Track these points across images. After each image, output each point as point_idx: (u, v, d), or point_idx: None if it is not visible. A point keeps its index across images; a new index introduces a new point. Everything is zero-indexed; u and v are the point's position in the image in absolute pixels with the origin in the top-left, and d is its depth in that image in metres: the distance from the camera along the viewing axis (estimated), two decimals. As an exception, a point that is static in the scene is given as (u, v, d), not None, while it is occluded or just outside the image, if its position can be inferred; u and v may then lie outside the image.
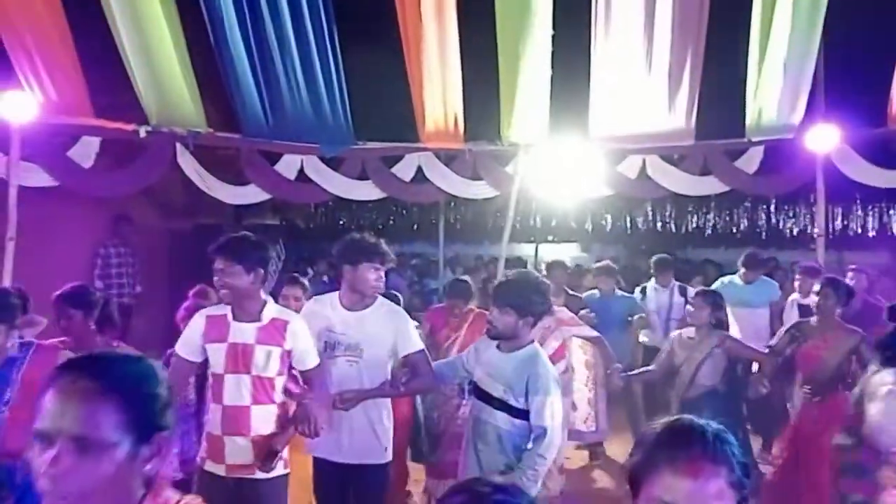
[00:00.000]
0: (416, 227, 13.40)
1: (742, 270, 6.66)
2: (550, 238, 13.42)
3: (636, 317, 6.61)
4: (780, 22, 6.80)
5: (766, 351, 4.99)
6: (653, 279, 6.96)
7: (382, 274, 3.72)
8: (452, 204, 11.83)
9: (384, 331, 3.63)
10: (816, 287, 4.79)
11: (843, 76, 7.36)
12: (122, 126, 6.91)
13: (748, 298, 6.38)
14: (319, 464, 3.69)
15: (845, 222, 12.15)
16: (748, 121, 7.35)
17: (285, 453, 3.41)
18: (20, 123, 6.24)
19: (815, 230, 7.74)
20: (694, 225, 12.89)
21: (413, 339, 3.67)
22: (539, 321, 3.68)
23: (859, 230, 12.12)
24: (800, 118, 7.22)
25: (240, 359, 3.30)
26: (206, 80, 7.12)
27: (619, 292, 6.69)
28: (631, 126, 7.47)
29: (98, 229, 8.21)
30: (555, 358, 5.05)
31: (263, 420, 3.32)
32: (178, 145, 7.07)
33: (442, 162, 7.73)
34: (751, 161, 7.46)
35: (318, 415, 3.30)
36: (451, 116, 7.52)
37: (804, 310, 5.80)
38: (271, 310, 3.41)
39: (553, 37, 7.10)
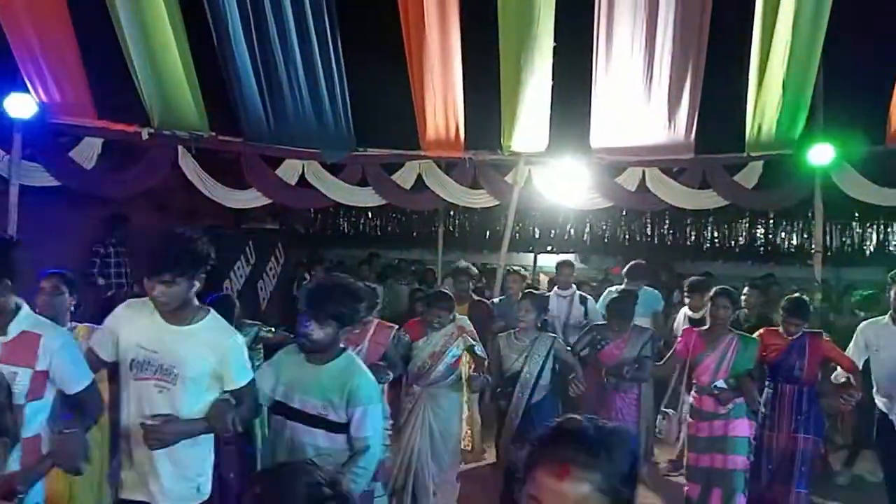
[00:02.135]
0: (415, 234, 13.39)
1: (625, 280, 6.79)
2: (549, 248, 13.42)
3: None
4: (780, 38, 6.84)
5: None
6: (556, 286, 6.93)
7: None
8: (452, 212, 11.86)
9: (207, 354, 2.94)
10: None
11: (843, 93, 7.38)
12: (124, 128, 6.95)
13: None
14: None
15: (843, 239, 12.16)
16: (748, 135, 7.38)
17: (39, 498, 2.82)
18: (23, 123, 6.27)
19: (813, 246, 7.76)
20: (692, 238, 12.89)
21: (243, 370, 3.05)
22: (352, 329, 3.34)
23: (857, 247, 12.13)
24: (798, 134, 7.26)
25: None
26: (209, 83, 7.16)
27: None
28: (631, 138, 7.51)
29: (97, 229, 8.22)
30: (454, 366, 5.04)
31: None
32: (180, 148, 7.11)
33: (442, 170, 7.78)
34: (750, 175, 7.50)
35: (80, 448, 2.66)
36: (452, 125, 7.56)
37: (694, 323, 6.08)
38: (23, 321, 2.81)
39: (555, 48, 7.15)
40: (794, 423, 4.89)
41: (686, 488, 4.92)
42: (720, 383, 4.77)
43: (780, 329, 5.02)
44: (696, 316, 6.22)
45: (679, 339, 5.06)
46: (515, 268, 6.94)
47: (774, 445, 4.93)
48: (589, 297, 6.86)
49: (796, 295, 5.22)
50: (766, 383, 5.04)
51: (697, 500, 4.80)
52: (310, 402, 3.11)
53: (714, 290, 4.98)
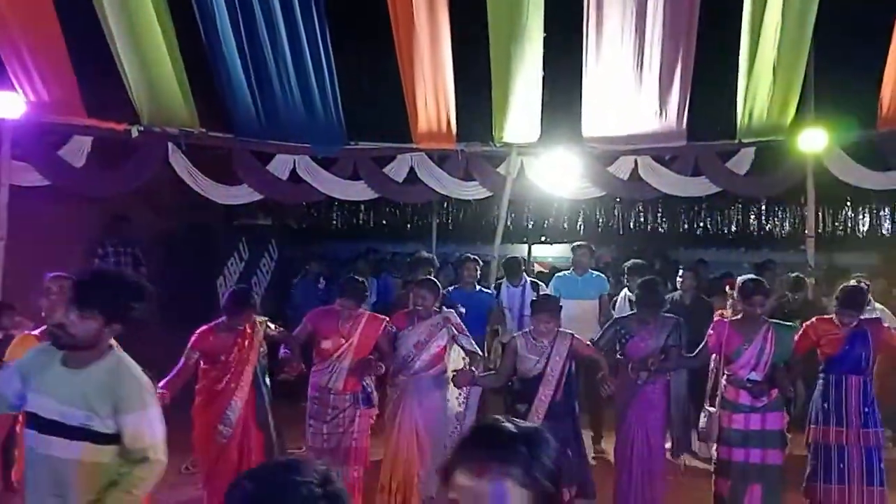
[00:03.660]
0: (409, 227, 13.39)
1: (572, 263, 7.10)
2: (543, 238, 13.44)
3: (494, 310, 6.72)
4: (770, 24, 6.84)
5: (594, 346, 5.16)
6: (505, 278, 7.07)
7: None
8: (445, 204, 11.85)
9: None
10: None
11: (833, 78, 7.40)
12: (113, 125, 6.91)
13: (581, 291, 6.77)
14: None
15: (835, 223, 12.22)
16: (739, 122, 7.39)
17: None
18: (11, 122, 6.23)
19: (806, 231, 7.79)
20: (685, 225, 12.94)
21: None
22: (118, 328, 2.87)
23: (849, 231, 12.20)
24: (790, 120, 7.27)
25: None
26: (198, 79, 7.12)
27: (479, 287, 6.75)
28: (623, 127, 7.50)
29: (94, 229, 8.19)
30: (439, 356, 5.05)
31: None
32: (170, 145, 7.06)
33: (434, 162, 7.75)
34: (742, 162, 7.50)
35: None
36: (444, 117, 7.53)
37: (634, 305, 6.39)
38: None
39: (545, 38, 7.12)
40: (863, 418, 4.67)
41: (714, 483, 4.73)
42: (753, 375, 4.60)
43: (834, 318, 4.78)
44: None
45: (710, 331, 4.83)
46: (472, 256, 6.94)
47: (844, 442, 4.68)
48: (540, 282, 7.03)
49: (852, 284, 4.90)
50: (820, 376, 4.84)
51: (729, 496, 4.61)
52: (69, 412, 2.66)
53: (746, 284, 4.73)
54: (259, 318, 4.83)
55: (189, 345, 4.55)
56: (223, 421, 4.49)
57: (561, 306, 5.02)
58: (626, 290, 6.76)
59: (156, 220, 9.14)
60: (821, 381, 4.85)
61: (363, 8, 7.67)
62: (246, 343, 4.62)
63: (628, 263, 6.98)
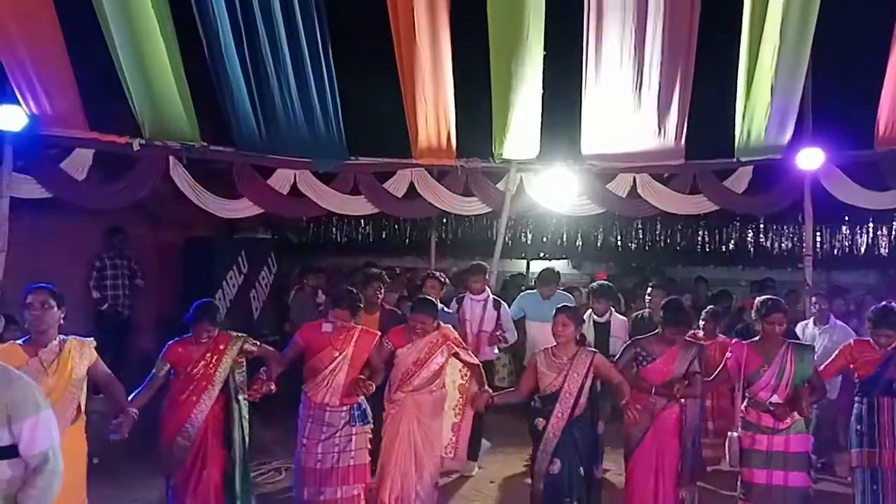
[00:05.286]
0: (407, 242, 13.39)
1: (538, 286, 6.86)
2: (541, 254, 13.44)
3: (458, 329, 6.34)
4: (768, 43, 6.91)
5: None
6: (468, 291, 6.80)
7: None
8: (444, 220, 11.86)
9: None
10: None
11: (831, 98, 7.45)
12: (115, 139, 6.92)
13: (546, 314, 6.18)
14: None
15: (833, 242, 12.23)
16: (737, 141, 7.44)
17: None
18: (13, 135, 6.26)
19: (804, 249, 7.81)
20: (683, 243, 12.93)
21: None
22: None
23: (847, 250, 12.20)
24: (788, 139, 7.32)
25: None
26: (200, 93, 7.15)
27: (441, 305, 6.31)
28: (621, 145, 7.55)
29: (95, 241, 8.21)
30: (438, 373, 5.04)
31: None
32: (172, 158, 7.09)
33: (434, 178, 7.78)
34: (740, 180, 7.55)
35: None
36: (444, 133, 7.58)
37: (598, 326, 6.49)
38: None
39: (545, 56, 7.18)
40: None
41: None
42: (775, 398, 4.51)
43: (871, 340, 4.69)
44: (601, 319, 6.51)
45: (729, 353, 4.77)
46: (435, 273, 6.77)
47: (878, 464, 4.57)
48: (503, 301, 6.83)
49: (884, 304, 4.78)
50: (856, 398, 4.76)
51: None
52: None
53: (765, 302, 4.66)
54: (237, 335, 4.78)
55: (160, 356, 4.57)
56: (181, 433, 4.50)
57: (583, 320, 4.93)
58: (590, 311, 6.58)
59: (155, 233, 9.16)
60: (856, 404, 4.77)
61: (365, 23, 7.73)
62: (214, 358, 4.59)
63: (593, 285, 6.80)
